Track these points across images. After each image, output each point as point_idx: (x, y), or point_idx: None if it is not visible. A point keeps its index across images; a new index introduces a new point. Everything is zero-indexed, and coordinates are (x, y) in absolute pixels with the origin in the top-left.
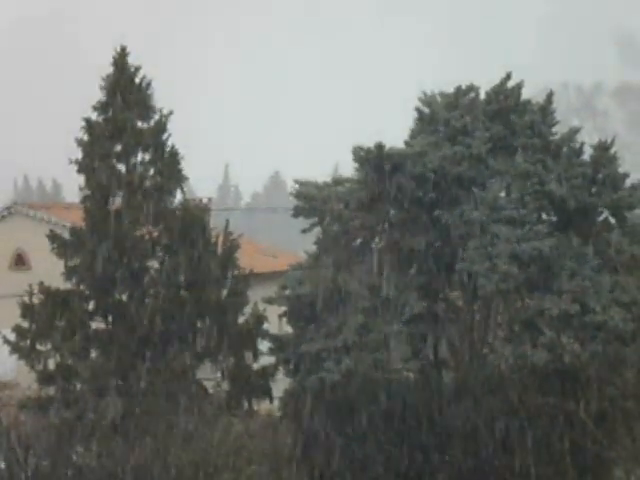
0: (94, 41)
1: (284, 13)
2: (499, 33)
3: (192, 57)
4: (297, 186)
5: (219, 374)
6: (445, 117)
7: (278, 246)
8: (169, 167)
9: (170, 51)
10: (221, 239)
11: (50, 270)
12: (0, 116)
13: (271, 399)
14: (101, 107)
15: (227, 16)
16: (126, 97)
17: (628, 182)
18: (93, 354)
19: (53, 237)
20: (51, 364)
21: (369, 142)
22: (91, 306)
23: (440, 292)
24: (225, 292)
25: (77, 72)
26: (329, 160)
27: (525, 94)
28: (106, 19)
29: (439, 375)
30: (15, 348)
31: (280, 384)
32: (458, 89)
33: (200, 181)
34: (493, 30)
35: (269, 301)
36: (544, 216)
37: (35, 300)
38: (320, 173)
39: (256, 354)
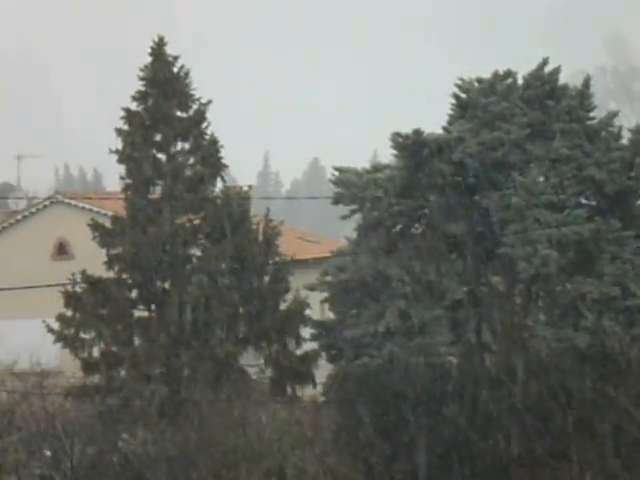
0: (142, 31)
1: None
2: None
3: (231, 44)
4: (337, 173)
5: (262, 360)
6: (483, 103)
7: (319, 233)
8: (209, 155)
9: (208, 38)
10: (262, 226)
11: (92, 259)
12: (41, 104)
13: (314, 385)
14: (140, 97)
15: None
16: (165, 87)
17: None
18: (136, 342)
19: (95, 226)
20: (95, 352)
21: (407, 128)
22: (134, 294)
23: (481, 277)
24: (267, 279)
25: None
26: (368, 147)
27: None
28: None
29: (481, 359)
30: (59, 336)
31: (323, 370)
32: (495, 74)
33: (240, 168)
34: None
35: (311, 287)
36: (583, 200)
37: (78, 289)
38: (359, 160)
39: (299, 340)
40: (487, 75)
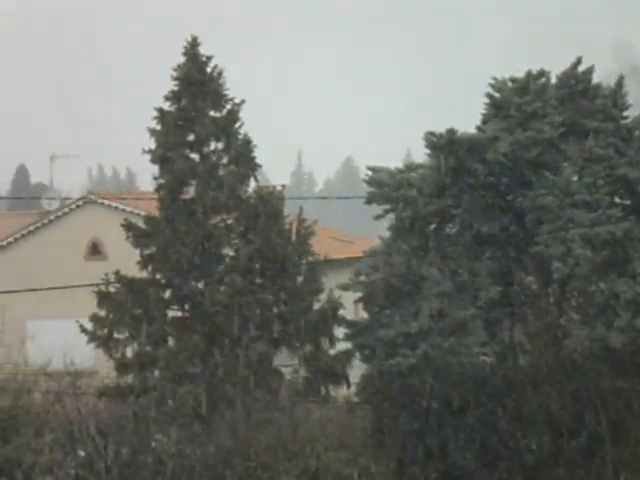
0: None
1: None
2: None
3: (264, 43)
4: (370, 173)
5: (296, 361)
6: (516, 102)
7: (352, 232)
8: (242, 155)
9: (241, 40)
10: (295, 226)
11: (125, 259)
12: (74, 105)
13: (348, 385)
14: (173, 97)
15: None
16: (198, 87)
17: None
18: (170, 342)
19: (128, 226)
20: (129, 352)
21: (441, 128)
22: (167, 294)
23: (514, 276)
24: (300, 279)
25: (155, 62)
26: (402, 146)
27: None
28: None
29: (515, 359)
30: (93, 337)
31: (357, 370)
32: (529, 74)
33: (274, 168)
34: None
35: (345, 287)
36: (617, 200)
37: (112, 289)
38: (393, 159)
39: (332, 340)
40: (519, 74)
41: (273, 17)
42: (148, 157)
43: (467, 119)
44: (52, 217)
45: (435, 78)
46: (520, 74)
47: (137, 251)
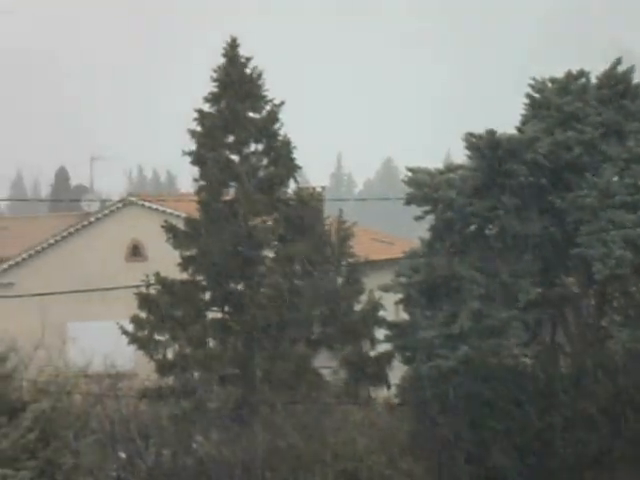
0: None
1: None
2: None
3: (303, 45)
4: (409, 174)
5: (336, 362)
6: (557, 103)
7: (392, 233)
8: (282, 157)
9: (278, 38)
10: (335, 227)
11: (166, 261)
12: (114, 106)
13: (388, 386)
14: (213, 98)
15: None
16: (238, 88)
17: None
18: (211, 343)
19: (169, 228)
20: (169, 354)
21: (481, 128)
22: (207, 296)
23: (555, 278)
24: (341, 280)
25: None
26: (441, 146)
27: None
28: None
29: (555, 361)
30: (133, 338)
31: (397, 371)
32: (568, 74)
33: (313, 170)
34: None
35: (385, 289)
36: None
37: (152, 291)
38: (432, 160)
39: (373, 341)
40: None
41: (311, 15)
42: (188, 159)
43: (507, 120)
44: (92, 219)
45: (476, 77)
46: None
47: (177, 253)
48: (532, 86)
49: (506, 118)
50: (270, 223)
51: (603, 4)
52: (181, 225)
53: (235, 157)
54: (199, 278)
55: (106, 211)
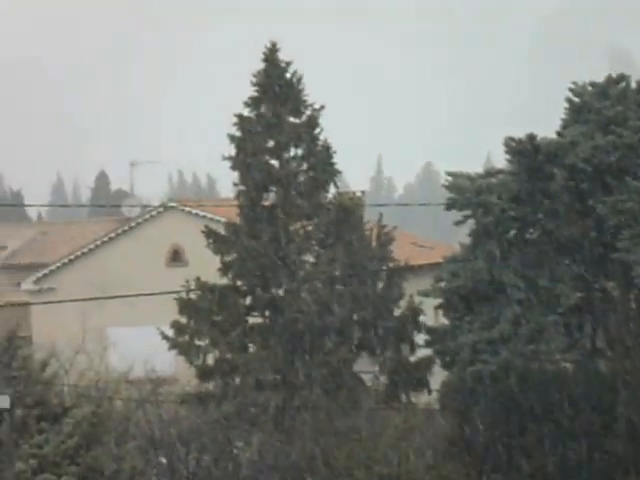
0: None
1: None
2: None
3: (342, 49)
4: (450, 178)
5: (377, 367)
6: (597, 107)
7: (433, 238)
8: (322, 161)
9: (318, 43)
10: (375, 232)
11: (206, 265)
12: (155, 111)
13: (429, 391)
14: (253, 103)
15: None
16: (277, 92)
17: None
18: (251, 348)
19: (208, 233)
20: (209, 359)
21: (521, 133)
22: (248, 301)
23: (595, 282)
24: (381, 285)
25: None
26: (481, 150)
27: None
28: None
29: (596, 366)
30: (174, 344)
31: (437, 376)
32: (608, 78)
33: (353, 174)
34: None
35: (425, 293)
36: None
37: (192, 296)
38: (472, 164)
39: (413, 346)
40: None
41: (350, 18)
42: (228, 163)
43: (547, 124)
44: (133, 224)
45: (516, 82)
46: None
47: (218, 258)
48: (572, 90)
49: (548, 123)
50: (310, 228)
51: (602, 4)
52: (221, 230)
53: (275, 162)
54: (239, 283)
55: (146, 216)
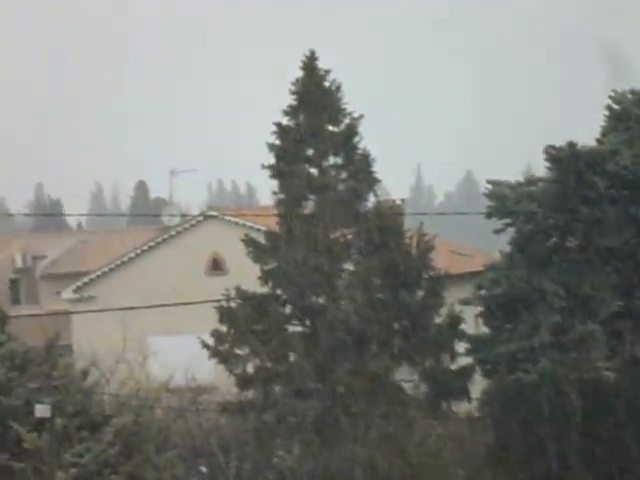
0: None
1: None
2: None
3: (384, 57)
4: (490, 186)
5: (417, 376)
6: (637, 114)
7: (473, 246)
8: (361, 170)
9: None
10: (415, 240)
11: (246, 274)
12: (194, 119)
13: (469, 400)
14: (291, 111)
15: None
16: (316, 101)
17: None
18: (291, 357)
19: (248, 241)
20: (250, 368)
21: (561, 141)
22: (288, 309)
23: (636, 290)
24: (421, 293)
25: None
26: (521, 158)
27: None
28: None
29: (638, 374)
30: (214, 352)
31: (478, 385)
32: None
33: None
34: None
35: (465, 302)
36: None
37: (232, 304)
38: (512, 172)
39: (453, 355)
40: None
41: (390, 26)
42: (268, 172)
43: (586, 132)
44: (173, 232)
45: (556, 90)
46: None
47: (257, 266)
48: (612, 98)
49: (587, 130)
50: (350, 236)
51: (596, 4)
52: (261, 238)
53: (314, 170)
54: (279, 292)
55: (186, 225)
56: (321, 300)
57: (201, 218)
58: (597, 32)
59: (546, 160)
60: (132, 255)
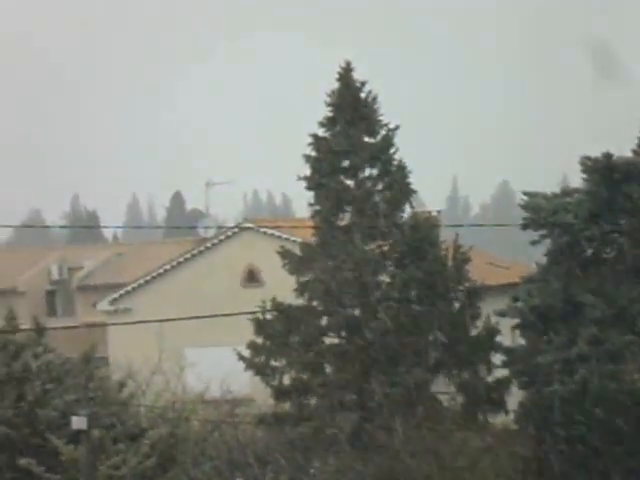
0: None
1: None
2: None
3: (416, 68)
4: (526, 198)
5: (453, 388)
6: None
7: (509, 257)
8: (397, 181)
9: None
10: (451, 252)
11: (282, 286)
12: (230, 131)
13: (506, 412)
14: (327, 123)
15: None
16: (352, 112)
17: None
18: (327, 369)
19: (284, 253)
20: (286, 379)
21: (597, 152)
22: (324, 321)
23: None
24: (457, 305)
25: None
26: (558, 169)
27: None
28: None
29: None
30: (250, 364)
31: (514, 397)
32: None
33: (429, 193)
34: None
35: (502, 313)
36: None
37: (268, 316)
38: (548, 183)
39: (490, 367)
40: None
41: (425, 36)
42: (303, 183)
43: (624, 142)
44: (209, 244)
45: (590, 100)
46: None
47: (293, 278)
48: None
49: (626, 141)
50: (386, 248)
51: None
52: (297, 250)
53: (350, 182)
54: (315, 303)
55: (222, 236)
56: (357, 312)
57: (237, 230)
58: None
59: (582, 171)
60: (168, 267)
